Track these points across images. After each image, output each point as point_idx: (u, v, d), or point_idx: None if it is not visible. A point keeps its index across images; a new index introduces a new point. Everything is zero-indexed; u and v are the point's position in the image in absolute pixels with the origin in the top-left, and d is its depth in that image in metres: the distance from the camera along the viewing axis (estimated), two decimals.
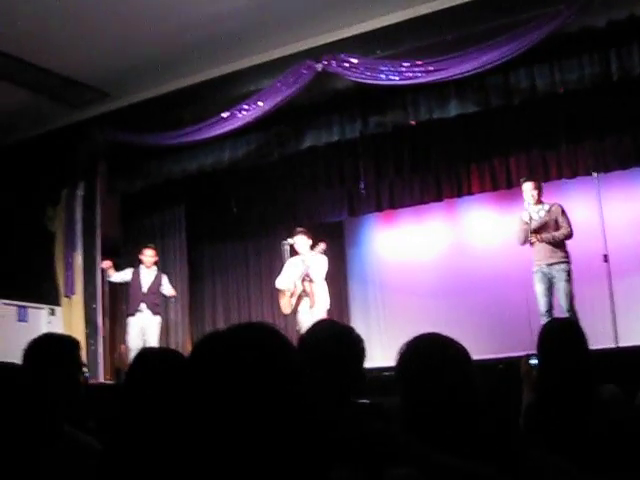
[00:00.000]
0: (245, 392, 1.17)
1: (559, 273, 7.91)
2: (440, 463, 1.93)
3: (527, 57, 7.60)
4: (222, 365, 1.21)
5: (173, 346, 10.46)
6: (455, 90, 8.25)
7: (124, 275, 9.70)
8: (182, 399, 1.23)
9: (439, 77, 7.84)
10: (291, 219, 9.78)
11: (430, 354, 2.14)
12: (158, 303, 9.72)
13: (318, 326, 2.71)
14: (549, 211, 8.09)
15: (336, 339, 2.54)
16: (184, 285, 11.04)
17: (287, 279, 9.01)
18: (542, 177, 9.17)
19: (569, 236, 7.96)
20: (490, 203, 10.28)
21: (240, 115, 8.81)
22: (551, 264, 7.95)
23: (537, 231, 7.99)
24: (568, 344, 3.19)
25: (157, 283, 9.71)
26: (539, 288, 8.03)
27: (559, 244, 7.97)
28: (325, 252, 8.96)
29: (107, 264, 9.69)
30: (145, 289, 9.60)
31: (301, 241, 8.99)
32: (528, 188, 8.15)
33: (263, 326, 1.32)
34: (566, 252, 7.98)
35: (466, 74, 7.71)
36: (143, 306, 9.52)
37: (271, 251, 10.66)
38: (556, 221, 8.02)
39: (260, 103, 8.67)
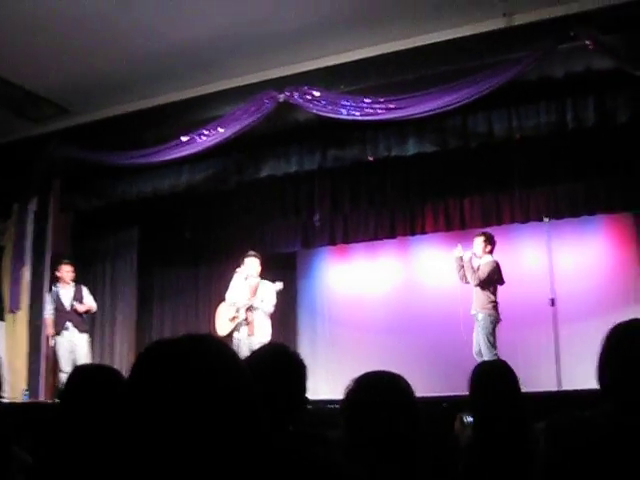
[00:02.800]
0: (191, 402, 1.12)
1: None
2: None
3: (486, 102, 7.70)
4: (166, 373, 1.16)
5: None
6: (414, 129, 8.36)
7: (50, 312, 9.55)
8: (122, 410, 1.18)
9: (399, 115, 7.92)
10: (245, 247, 9.74)
11: (375, 391, 2.14)
12: (83, 320, 9.54)
13: (262, 348, 2.67)
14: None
15: (278, 359, 2.49)
16: (132, 309, 10.97)
17: (234, 297, 8.95)
18: (495, 220, 9.33)
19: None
20: (443, 243, 10.35)
21: (200, 140, 8.78)
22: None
23: None
24: (499, 386, 3.18)
25: (79, 297, 9.52)
26: None
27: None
28: (279, 292, 8.96)
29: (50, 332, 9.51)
30: (68, 306, 9.42)
31: (251, 264, 8.93)
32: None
33: (211, 337, 1.27)
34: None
35: (425, 114, 7.80)
36: (69, 324, 9.36)
37: (222, 278, 10.49)
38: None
39: (220, 129, 8.66)
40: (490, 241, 8.47)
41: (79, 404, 2.58)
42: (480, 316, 8.20)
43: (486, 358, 7.87)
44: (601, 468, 1.81)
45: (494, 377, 3.22)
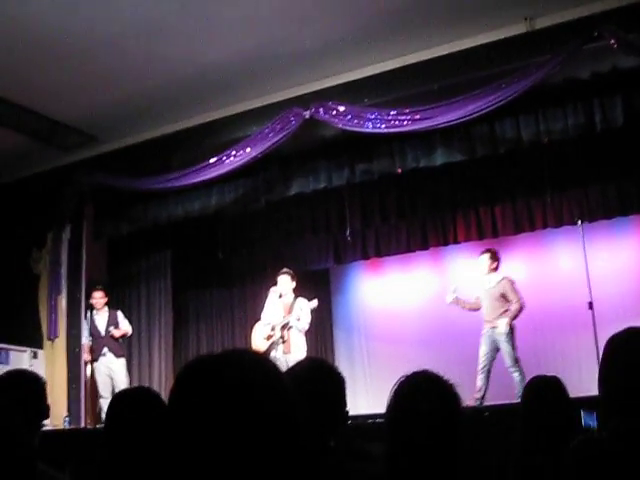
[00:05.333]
0: (234, 417, 1.10)
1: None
2: None
3: (512, 107, 7.64)
4: (208, 388, 1.13)
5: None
6: (441, 139, 8.29)
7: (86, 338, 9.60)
8: (166, 429, 1.16)
9: (425, 126, 7.87)
10: (277, 265, 9.74)
11: (419, 394, 2.11)
12: (120, 345, 9.60)
13: (300, 363, 2.62)
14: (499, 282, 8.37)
15: (317, 374, 2.44)
16: (168, 331, 10.99)
17: (269, 315, 8.91)
18: (527, 226, 9.25)
19: (521, 309, 8.19)
20: (476, 252, 10.26)
21: (227, 161, 8.80)
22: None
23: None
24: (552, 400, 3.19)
25: (114, 322, 9.56)
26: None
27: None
28: (314, 310, 8.90)
29: (87, 358, 9.59)
30: (103, 332, 9.47)
31: (285, 281, 8.87)
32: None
33: (251, 351, 1.26)
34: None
35: (452, 123, 7.74)
36: (105, 350, 9.41)
37: (257, 298, 10.51)
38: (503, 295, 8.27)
39: (248, 149, 8.67)
40: (495, 257, 8.49)
41: (121, 429, 2.59)
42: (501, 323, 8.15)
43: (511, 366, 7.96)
44: None
45: (549, 393, 3.22)
